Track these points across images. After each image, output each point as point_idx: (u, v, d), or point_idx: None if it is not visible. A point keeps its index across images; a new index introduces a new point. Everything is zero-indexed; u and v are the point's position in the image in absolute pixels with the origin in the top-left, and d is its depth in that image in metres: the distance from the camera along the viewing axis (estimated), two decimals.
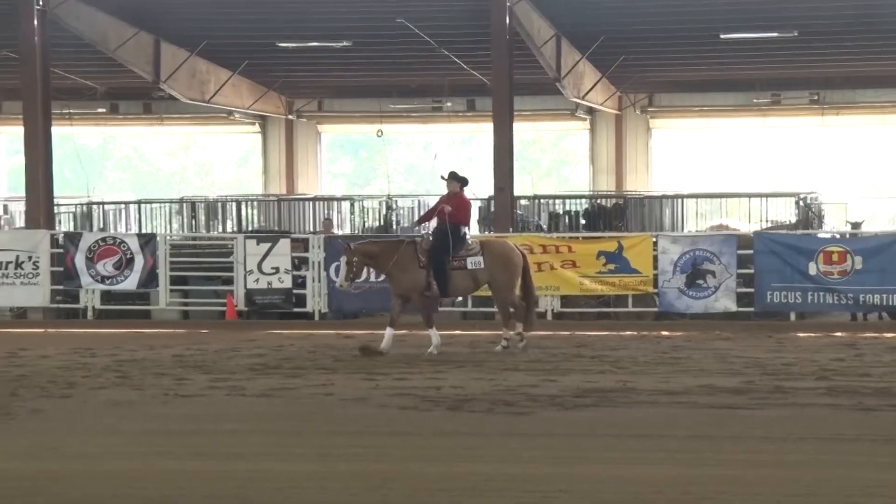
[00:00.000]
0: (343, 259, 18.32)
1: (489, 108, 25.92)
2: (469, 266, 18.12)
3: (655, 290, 22.84)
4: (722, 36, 27.46)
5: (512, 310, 18.53)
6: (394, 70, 31.16)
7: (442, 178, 18.86)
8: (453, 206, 18.10)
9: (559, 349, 18.94)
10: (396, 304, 18.20)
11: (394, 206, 29.35)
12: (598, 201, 29.24)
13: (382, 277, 21.91)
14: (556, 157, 38.35)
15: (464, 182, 18.52)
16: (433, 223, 18.77)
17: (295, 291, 23.25)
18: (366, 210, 29.55)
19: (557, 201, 29.10)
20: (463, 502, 9.30)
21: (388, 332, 17.98)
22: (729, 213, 28.37)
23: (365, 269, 18.79)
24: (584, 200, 29.33)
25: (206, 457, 10.99)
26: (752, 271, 22.77)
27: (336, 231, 27.56)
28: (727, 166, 35.32)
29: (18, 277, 23.38)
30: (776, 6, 26.00)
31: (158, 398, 14.28)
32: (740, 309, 22.73)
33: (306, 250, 23.55)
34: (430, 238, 18.17)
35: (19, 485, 9.95)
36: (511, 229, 24.31)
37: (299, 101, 34.86)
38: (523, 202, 28.24)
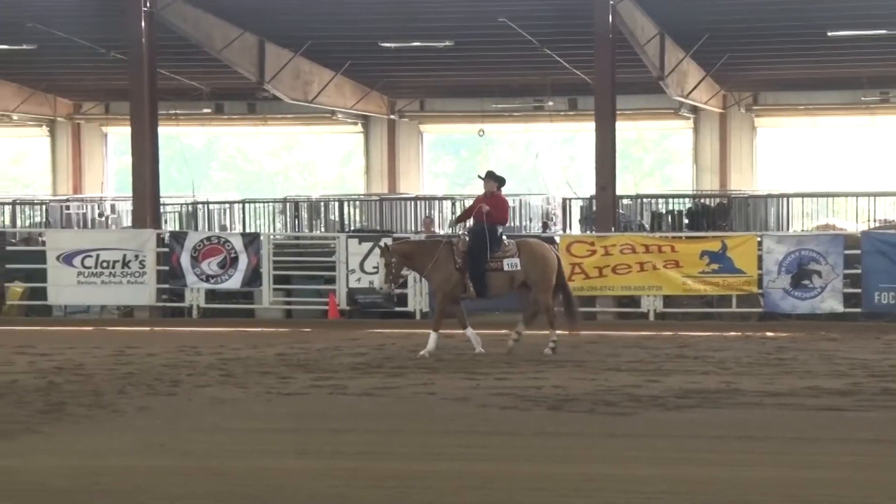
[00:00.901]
0: (381, 260, 17.97)
1: (591, 107, 25.81)
2: (506, 267, 17.84)
3: (760, 291, 22.59)
4: (829, 34, 27.07)
5: (543, 312, 18.16)
6: (496, 69, 31.14)
7: (479, 177, 18.76)
8: (491, 205, 17.87)
9: (662, 350, 18.81)
10: (441, 305, 17.92)
11: None
12: (702, 201, 29.01)
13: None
14: (659, 157, 38.10)
15: (501, 182, 18.30)
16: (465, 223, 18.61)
17: (396, 291, 23.30)
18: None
19: (660, 200, 28.92)
20: (563, 503, 9.28)
21: (433, 336, 17.69)
22: (836, 212, 28.01)
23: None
24: (687, 200, 29.12)
25: (309, 455, 11.08)
26: (859, 272, 22.44)
27: (437, 230, 27.62)
28: (834, 165, 34.85)
29: (125, 276, 23.72)
30: (885, 3, 25.58)
31: (262, 396, 14.41)
32: (847, 310, 22.41)
33: None
34: (467, 238, 17.91)
35: (127, 480, 10.12)
36: (613, 229, 24.19)
37: (401, 100, 35.00)
38: (625, 201, 28.10)
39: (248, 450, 11.38)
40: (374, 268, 23.21)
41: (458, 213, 20.47)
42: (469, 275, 17.67)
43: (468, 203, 29.92)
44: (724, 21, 26.76)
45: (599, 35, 24.31)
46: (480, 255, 17.64)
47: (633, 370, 16.37)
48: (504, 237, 18.13)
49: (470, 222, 18.13)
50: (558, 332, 18.09)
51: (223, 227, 29.18)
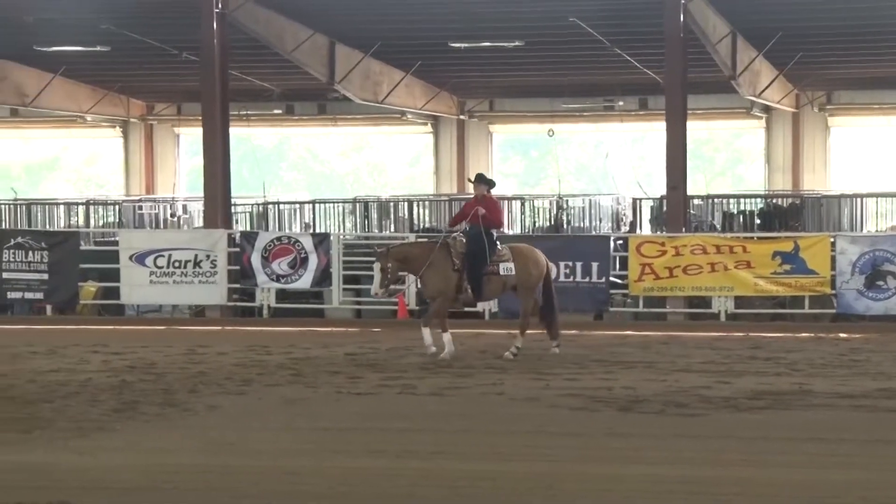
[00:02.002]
0: (377, 266, 17.66)
1: (662, 106, 25.67)
2: (502, 272, 17.65)
3: (833, 292, 22.36)
4: None
5: (522, 315, 18.06)
6: (565, 69, 31.06)
7: (469, 180, 18.61)
8: (484, 209, 17.69)
9: (733, 351, 18.68)
10: (442, 306, 17.66)
11: (565, 205, 29.26)
12: (774, 201, 28.76)
13: (552, 276, 21.90)
14: (731, 156, 37.81)
15: (491, 184, 18.19)
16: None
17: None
18: (536, 210, 29.54)
19: (731, 201, 28.70)
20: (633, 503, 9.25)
21: (447, 338, 17.50)
22: None
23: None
24: (759, 200, 28.88)
25: (378, 454, 11.11)
26: None
27: (507, 231, 27.57)
28: None
29: (197, 276, 23.89)
30: None
31: (331, 396, 14.48)
32: None
33: None
34: (463, 240, 17.66)
35: (198, 478, 10.20)
36: (684, 229, 24.05)
37: (471, 100, 35.01)
38: (696, 202, 27.92)
39: (317, 449, 11.43)
40: None
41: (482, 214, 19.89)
42: (468, 277, 17.51)
43: (538, 203, 30.06)
44: (796, 20, 26.52)
45: (670, 34, 24.17)
46: (479, 257, 17.49)
47: (703, 371, 16.28)
48: (497, 241, 17.95)
49: (464, 225, 17.85)
50: (522, 340, 17.84)
51: (307, 226, 29.26)
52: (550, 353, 17.81)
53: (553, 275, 22.61)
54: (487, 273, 17.57)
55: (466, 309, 23.19)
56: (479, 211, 17.58)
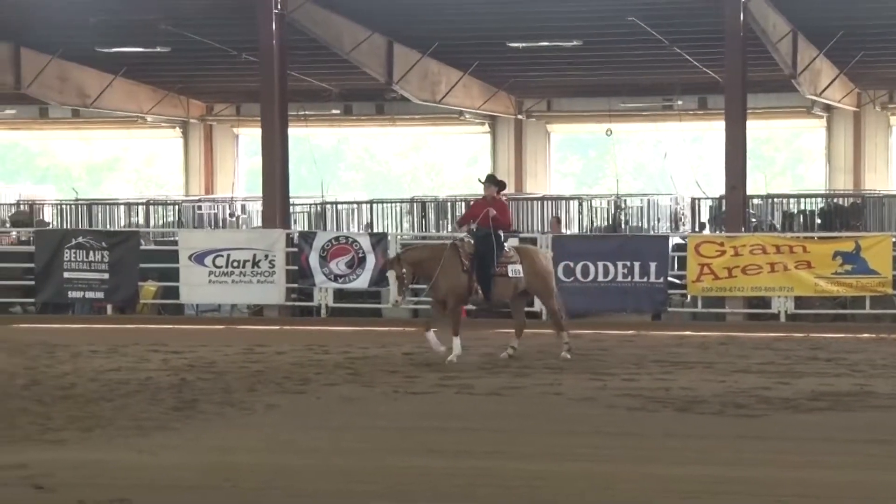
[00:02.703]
0: (391, 274, 17.31)
1: (721, 106, 25.54)
2: (511, 274, 17.39)
3: (895, 292, 22.15)
4: None
5: (551, 315, 18.00)
6: (624, 68, 30.97)
7: (479, 180, 18.34)
8: (495, 210, 17.47)
9: (793, 351, 18.54)
10: (457, 310, 17.41)
11: (623, 205, 29.20)
12: (835, 200, 28.53)
13: (609, 277, 21.78)
14: (791, 156, 37.57)
15: (501, 185, 18.01)
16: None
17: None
18: (594, 209, 29.48)
19: (791, 200, 28.51)
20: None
21: (456, 341, 17.16)
22: None
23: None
24: (819, 199, 28.67)
25: (435, 454, 11.12)
26: None
27: (564, 230, 27.54)
28: None
29: (255, 276, 24.01)
30: None
31: (388, 395, 14.50)
32: None
33: None
34: (471, 242, 17.42)
35: (256, 477, 10.25)
36: (743, 229, 23.91)
37: (529, 100, 34.99)
38: (756, 201, 27.76)
39: (375, 448, 11.46)
40: None
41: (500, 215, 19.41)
42: (477, 279, 17.27)
43: (595, 203, 30.00)
44: (858, 18, 26.30)
45: (730, 33, 24.03)
46: (488, 258, 17.28)
47: (763, 372, 16.17)
48: (505, 243, 17.78)
49: (473, 226, 17.55)
50: (567, 335, 17.73)
51: (367, 227, 29.29)
52: (501, 356, 17.49)
53: (609, 275, 22.72)
54: (496, 274, 17.34)
55: (525, 309, 23.27)
56: (489, 212, 17.37)
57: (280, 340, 20.15)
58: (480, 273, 17.26)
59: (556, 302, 17.92)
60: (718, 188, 26.85)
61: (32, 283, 24.74)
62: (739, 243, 22.79)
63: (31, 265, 24.78)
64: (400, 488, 9.82)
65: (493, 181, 18.02)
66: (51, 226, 30.85)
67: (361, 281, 23.91)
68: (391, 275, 17.28)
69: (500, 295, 17.65)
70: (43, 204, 33.52)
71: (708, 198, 29.28)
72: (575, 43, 28.59)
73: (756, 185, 31.09)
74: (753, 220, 26.65)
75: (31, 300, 25.16)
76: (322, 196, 30.89)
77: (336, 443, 11.70)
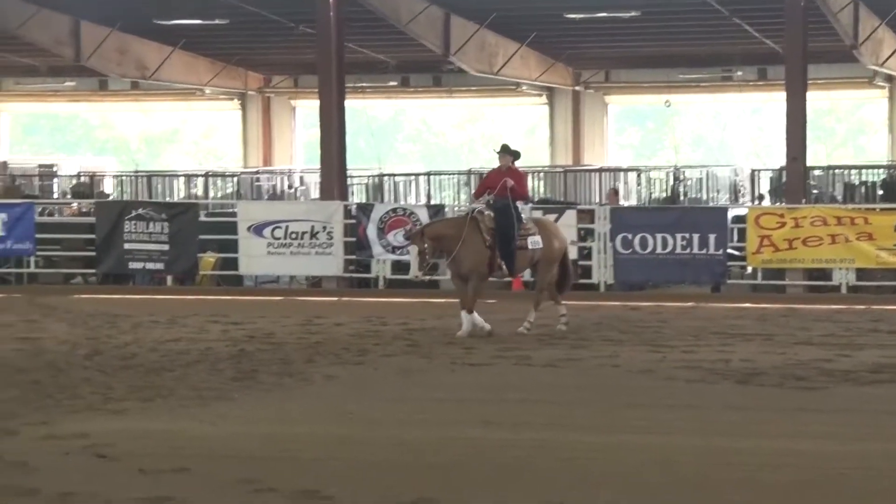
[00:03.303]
0: (414, 248, 16.92)
1: (781, 76, 25.31)
2: (530, 246, 17.03)
3: None
4: None
5: (541, 289, 17.62)
6: (683, 39, 30.76)
7: (494, 150, 17.80)
8: (512, 180, 17.06)
9: (854, 323, 18.39)
10: (479, 286, 17.00)
11: (681, 177, 29.05)
12: None
13: (668, 249, 21.63)
14: (852, 127, 37.19)
15: (516, 155, 17.52)
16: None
17: (580, 262, 23.25)
18: (652, 181, 29.35)
19: (853, 172, 28.23)
20: (752, 477, 9.14)
21: (466, 316, 16.79)
22: None
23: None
24: (881, 171, 28.36)
25: (494, 426, 11.11)
26: None
27: (622, 202, 27.43)
28: None
29: (314, 248, 24.09)
30: None
31: (446, 367, 14.52)
32: None
33: (592, 221, 23.52)
34: (491, 215, 16.98)
35: (315, 447, 10.29)
36: (804, 200, 23.71)
37: (586, 71, 34.81)
38: (817, 173, 27.53)
39: (433, 419, 11.47)
40: None
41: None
42: (501, 253, 16.89)
43: (654, 175, 29.84)
44: None
45: (790, 3, 23.80)
46: (509, 231, 16.89)
47: (824, 344, 16.05)
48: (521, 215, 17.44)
49: (489, 197, 17.11)
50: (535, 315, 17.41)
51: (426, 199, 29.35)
52: (557, 329, 17.27)
53: (668, 247, 22.61)
54: (517, 248, 16.98)
55: (581, 280, 23.22)
56: (507, 182, 16.93)
57: (338, 312, 20.22)
58: (503, 247, 16.89)
59: (566, 272, 17.61)
60: (779, 159, 26.63)
61: (93, 254, 24.96)
62: (800, 215, 22.61)
63: (92, 236, 25.00)
64: (457, 459, 9.83)
65: (507, 151, 17.47)
66: (111, 197, 31.08)
67: None
68: (413, 249, 16.93)
69: (520, 268, 17.38)
70: (103, 176, 33.79)
71: (768, 169, 29.06)
72: (633, 13, 28.41)
73: (817, 156, 30.74)
74: (814, 191, 26.41)
75: (93, 271, 25.40)
76: (379, 168, 30.92)
77: (394, 414, 11.73)
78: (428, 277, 17.75)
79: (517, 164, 17.54)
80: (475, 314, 16.88)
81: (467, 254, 16.74)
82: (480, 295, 17.28)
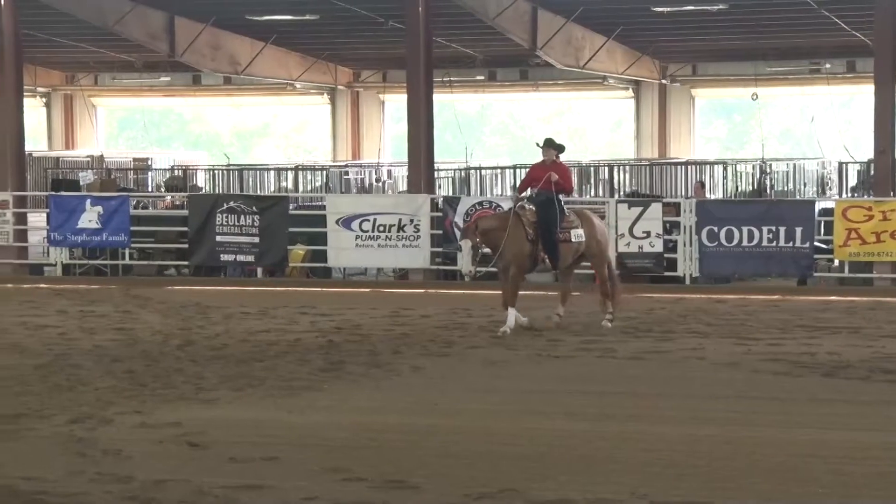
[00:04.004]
0: (467, 243, 16.59)
1: (870, 69, 24.93)
2: (573, 239, 16.74)
3: None
4: None
5: (602, 282, 17.20)
6: (770, 32, 30.42)
7: (537, 144, 17.49)
8: (557, 174, 16.78)
9: None
10: (518, 281, 16.67)
11: (768, 170, 28.74)
12: None
13: (754, 242, 21.41)
14: None
15: (560, 149, 17.22)
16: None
17: (666, 255, 23.13)
18: (739, 174, 29.07)
19: None
20: (837, 469, 9.06)
21: (510, 312, 16.49)
22: None
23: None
24: None
25: (578, 417, 11.11)
26: None
27: (708, 195, 27.21)
28: None
29: (401, 240, 24.14)
30: None
31: (532, 359, 14.51)
32: None
33: (678, 214, 23.37)
34: (533, 209, 16.68)
35: (402, 437, 10.36)
36: (892, 193, 23.36)
37: (673, 65, 34.57)
38: None
39: (518, 410, 11.49)
40: (644, 233, 23.06)
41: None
42: (543, 246, 16.61)
43: (740, 168, 29.57)
44: None
45: None
46: (552, 225, 16.62)
47: None
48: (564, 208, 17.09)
49: (532, 191, 16.84)
50: (613, 304, 17.12)
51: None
52: (602, 325, 16.93)
53: (754, 240, 22.40)
54: (560, 241, 16.70)
55: (666, 273, 23.08)
56: (551, 177, 16.70)
57: (425, 303, 20.27)
58: (546, 240, 16.65)
59: (608, 269, 17.29)
60: (867, 152, 26.26)
61: (186, 246, 25.22)
62: (888, 208, 22.28)
63: (185, 229, 25.26)
64: (542, 450, 9.84)
65: (551, 144, 17.22)
66: (203, 190, 31.38)
67: None
68: (465, 244, 16.66)
69: (562, 261, 17.03)
70: (196, 169, 34.11)
71: (856, 162, 28.68)
72: (721, 6, 28.14)
73: None
74: None
75: (185, 263, 25.66)
76: (466, 161, 30.94)
77: (479, 404, 11.76)
78: (479, 273, 17.33)
79: (561, 157, 17.33)
80: (514, 310, 16.56)
81: (510, 247, 16.55)
82: (520, 288, 16.93)
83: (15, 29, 26.53)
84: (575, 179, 29.73)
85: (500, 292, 16.91)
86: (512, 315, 16.55)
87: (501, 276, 16.96)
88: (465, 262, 16.71)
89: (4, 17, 26.35)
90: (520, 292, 16.91)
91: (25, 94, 28.41)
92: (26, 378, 13.07)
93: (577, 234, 16.83)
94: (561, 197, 16.93)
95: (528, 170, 18.28)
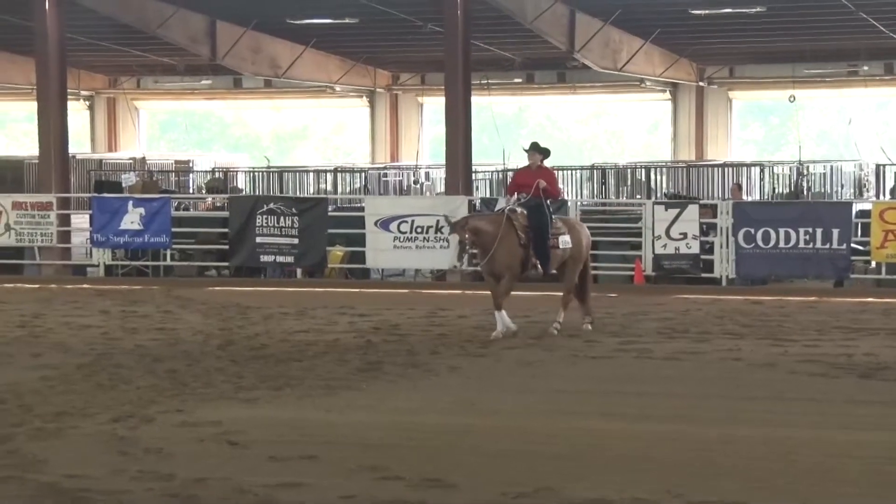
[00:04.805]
0: (455, 237, 16.19)
1: None
2: (560, 245, 16.50)
3: None
4: None
5: (569, 290, 16.94)
6: (808, 34, 30.29)
7: (523, 149, 17.23)
8: (544, 179, 16.51)
9: None
10: (506, 282, 16.32)
11: (805, 172, 28.59)
12: None
13: (791, 243, 21.32)
14: None
15: (546, 153, 16.90)
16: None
17: (702, 257, 23.06)
18: (776, 176, 28.94)
19: None
20: (874, 469, 9.00)
21: (499, 316, 16.18)
22: None
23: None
24: None
25: (615, 417, 11.08)
26: None
27: (745, 197, 27.10)
28: None
29: (438, 241, 24.16)
30: None
31: (567, 359, 14.48)
32: None
33: (714, 216, 23.29)
34: (525, 213, 16.40)
35: (441, 436, 10.36)
36: None
37: (710, 67, 34.46)
38: None
39: (554, 410, 11.47)
40: (680, 234, 23.00)
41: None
42: (536, 252, 16.35)
43: (777, 170, 29.42)
44: None
45: None
46: (545, 231, 16.37)
47: None
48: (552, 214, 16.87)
49: (521, 196, 16.52)
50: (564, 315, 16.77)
51: None
52: (583, 328, 16.70)
53: (791, 242, 22.31)
54: (550, 247, 16.46)
55: (703, 275, 23.00)
56: (539, 183, 16.43)
57: (462, 304, 20.26)
58: (539, 246, 16.41)
59: (576, 278, 16.94)
60: None
61: (226, 247, 25.32)
62: None
63: (226, 230, 25.36)
64: (578, 450, 9.83)
65: (537, 149, 16.92)
66: (243, 192, 31.50)
67: None
68: (453, 238, 16.28)
69: (551, 267, 16.73)
70: (236, 171, 34.26)
71: (893, 164, 28.50)
72: (758, 9, 28.05)
73: None
74: None
75: (226, 264, 25.76)
76: (504, 163, 30.91)
77: (516, 404, 11.75)
78: (466, 268, 17.01)
79: (546, 162, 17.00)
80: (504, 314, 16.30)
81: (503, 252, 16.23)
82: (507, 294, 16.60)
83: (59, 33, 26.74)
84: (612, 182, 29.78)
85: (490, 293, 16.49)
86: (500, 319, 16.26)
87: (488, 278, 16.58)
88: (451, 256, 16.25)
89: (49, 22, 26.57)
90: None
91: (69, 97, 28.62)
92: (70, 377, 13.15)
93: (565, 241, 16.63)
94: (548, 203, 16.69)
95: (513, 174, 18.02)
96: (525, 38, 30.14)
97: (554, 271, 16.87)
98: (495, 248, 16.15)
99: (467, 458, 9.57)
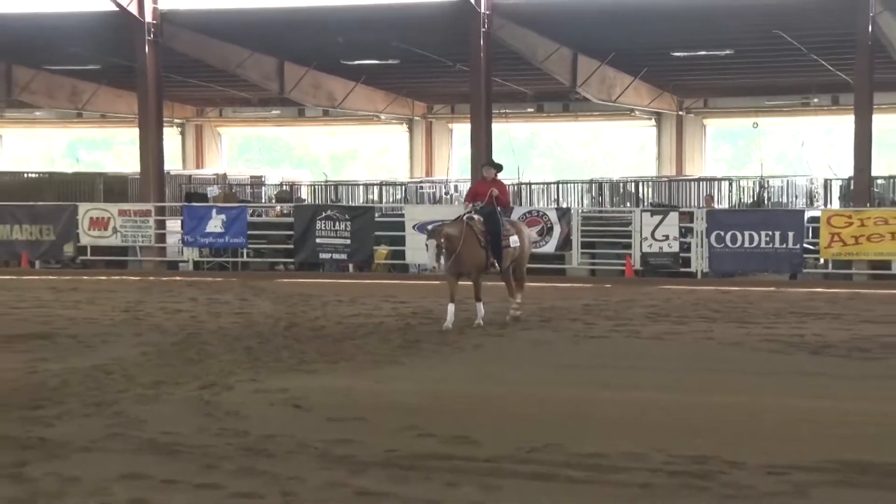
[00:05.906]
0: (432, 242, 15.65)
1: (851, 102, 24.64)
2: (511, 245, 16.21)
3: None
4: None
5: (520, 281, 16.62)
6: (769, 72, 30.13)
7: (481, 165, 17.08)
8: (497, 190, 16.23)
9: None
10: (476, 279, 15.96)
11: (766, 185, 28.43)
12: None
13: (754, 243, 21.20)
14: None
15: (499, 168, 16.67)
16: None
17: (681, 255, 22.97)
18: (742, 189, 28.77)
19: None
20: (822, 431, 8.95)
21: (479, 305, 15.92)
22: None
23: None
24: None
25: (610, 387, 11.04)
26: None
27: (716, 206, 26.94)
28: None
29: None
30: None
31: (571, 339, 14.45)
32: None
33: (691, 221, 23.21)
34: (480, 219, 16.03)
35: (466, 401, 10.35)
36: (868, 204, 23.06)
37: (688, 99, 34.32)
38: (880, 181, 26.73)
39: (560, 381, 11.45)
40: (663, 236, 22.92)
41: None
42: (493, 252, 16.05)
43: (743, 183, 29.22)
44: None
45: (860, 43, 23.21)
46: (499, 233, 16.09)
47: (885, 322, 15.60)
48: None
49: (477, 204, 16.18)
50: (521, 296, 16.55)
51: (554, 202, 29.26)
52: (512, 313, 16.29)
53: (754, 242, 22.20)
54: (504, 246, 16.20)
55: (682, 269, 22.89)
56: (493, 192, 16.17)
57: (484, 294, 20.17)
58: (495, 246, 16.10)
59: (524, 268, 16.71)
60: (848, 170, 25.91)
61: (292, 247, 25.37)
62: (865, 216, 22.02)
63: (291, 233, 25.40)
64: (580, 413, 9.80)
65: (493, 164, 16.74)
66: (306, 202, 31.54)
67: (549, 246, 23.87)
68: (431, 243, 15.77)
69: (505, 264, 16.39)
70: (300, 185, 34.27)
71: (838, 179, 28.32)
72: (728, 52, 27.93)
73: (880, 167, 29.92)
74: (877, 197, 25.66)
75: (291, 260, 25.80)
76: (518, 178, 30.85)
77: (529, 376, 11.72)
78: (442, 269, 15.99)
79: (500, 175, 16.72)
80: (481, 304, 15.98)
81: (469, 253, 15.85)
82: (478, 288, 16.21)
83: (156, 72, 26.85)
84: (607, 193, 29.65)
85: (472, 287, 16.11)
86: (481, 307, 15.92)
87: (449, 277, 15.98)
88: (430, 258, 15.83)
89: (148, 63, 26.68)
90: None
91: (164, 124, 28.75)
92: (165, 352, 13.20)
93: (514, 241, 16.37)
94: (500, 209, 16.30)
95: (472, 185, 17.72)
96: (536, 76, 30.08)
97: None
98: (461, 251, 15.71)
99: (488, 419, 9.56)
